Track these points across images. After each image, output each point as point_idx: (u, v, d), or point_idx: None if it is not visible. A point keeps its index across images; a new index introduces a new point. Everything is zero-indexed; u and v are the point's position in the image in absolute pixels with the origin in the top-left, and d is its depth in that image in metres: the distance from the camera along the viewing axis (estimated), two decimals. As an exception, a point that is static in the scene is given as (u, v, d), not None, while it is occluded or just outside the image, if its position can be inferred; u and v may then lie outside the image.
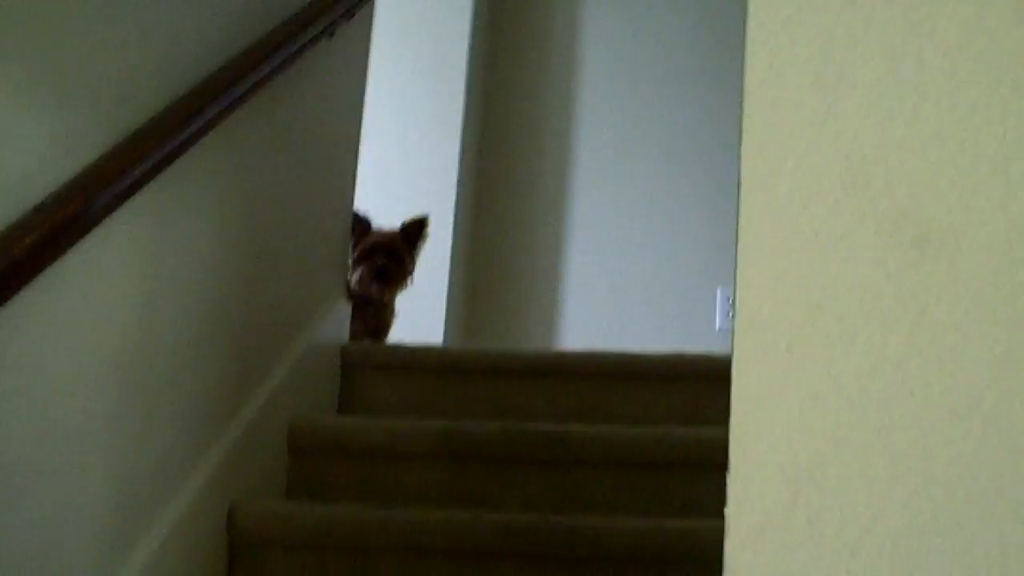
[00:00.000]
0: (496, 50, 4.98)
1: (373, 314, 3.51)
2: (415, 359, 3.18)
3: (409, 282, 3.58)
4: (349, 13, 3.12)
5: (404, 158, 4.48)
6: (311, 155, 3.06)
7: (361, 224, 3.48)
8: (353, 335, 3.36)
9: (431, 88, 4.59)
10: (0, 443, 1.81)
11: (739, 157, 1.09)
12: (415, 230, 3.58)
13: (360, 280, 3.47)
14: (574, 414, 3.03)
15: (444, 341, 4.33)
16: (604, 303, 4.68)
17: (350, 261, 3.45)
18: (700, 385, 3.06)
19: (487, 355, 3.19)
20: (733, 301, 1.07)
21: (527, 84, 4.97)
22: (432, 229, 3.64)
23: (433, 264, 3.79)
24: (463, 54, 4.64)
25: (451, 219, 4.44)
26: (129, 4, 2.15)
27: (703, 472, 2.72)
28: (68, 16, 1.96)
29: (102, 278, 2.09)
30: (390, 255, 3.51)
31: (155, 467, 2.30)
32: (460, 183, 4.53)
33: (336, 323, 3.18)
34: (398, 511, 2.60)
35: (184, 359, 2.40)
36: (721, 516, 2.28)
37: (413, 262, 3.59)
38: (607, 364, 3.09)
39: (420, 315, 3.81)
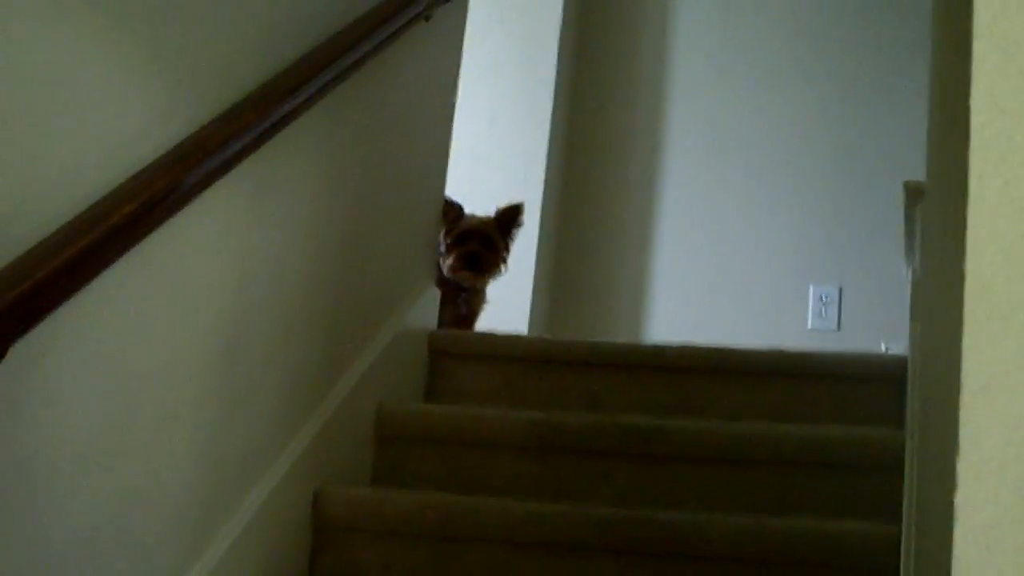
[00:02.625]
0: (586, 38, 4.90)
1: (463, 301, 3.43)
2: (505, 348, 3.11)
3: (503, 270, 3.50)
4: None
5: (493, 145, 4.42)
6: (404, 138, 3.00)
7: (453, 210, 3.40)
8: (441, 322, 3.29)
9: (521, 76, 4.52)
10: (90, 415, 1.76)
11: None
12: (510, 217, 3.50)
13: (452, 267, 3.39)
14: (667, 408, 2.94)
15: (528, 332, 4.26)
16: (692, 298, 4.59)
17: (442, 247, 3.37)
18: (797, 382, 2.96)
19: (580, 346, 3.11)
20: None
21: (617, 74, 4.89)
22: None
23: (519, 252, 3.70)
24: (554, 42, 4.57)
25: (538, 207, 4.36)
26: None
27: (805, 471, 2.65)
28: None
29: (197, 253, 2.04)
30: (483, 242, 3.43)
31: (242, 449, 2.25)
32: (548, 171, 4.46)
33: (425, 309, 3.11)
34: (490, 500, 2.53)
35: (276, 340, 2.35)
36: (824, 516, 2.18)
37: (507, 249, 3.50)
38: (703, 358, 3.00)
39: (505, 304, 3.72)
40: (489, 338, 3.19)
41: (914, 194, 2.63)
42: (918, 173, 4.42)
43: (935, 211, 2.26)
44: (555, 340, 3.21)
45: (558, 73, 4.56)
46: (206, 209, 2.02)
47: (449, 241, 3.39)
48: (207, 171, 1.93)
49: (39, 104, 1.61)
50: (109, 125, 1.77)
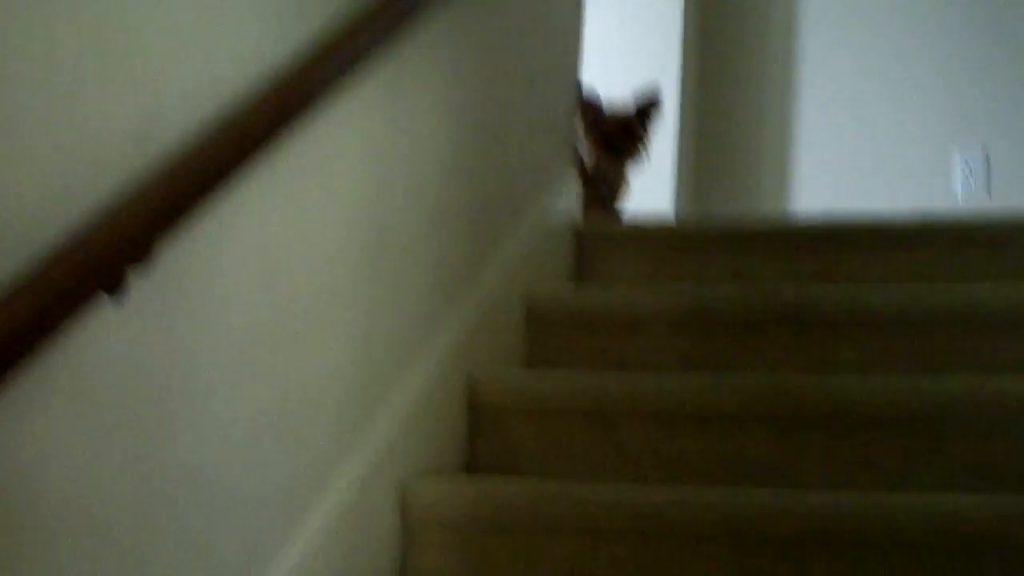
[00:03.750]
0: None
1: (606, 187, 3.45)
2: (648, 232, 3.12)
3: (644, 156, 3.52)
4: None
5: (624, 24, 4.39)
6: (535, 23, 3.00)
7: (592, 106, 3.42)
8: (586, 208, 3.31)
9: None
10: (239, 314, 1.82)
11: None
12: (647, 104, 3.51)
13: (592, 153, 3.41)
14: (815, 278, 2.93)
15: (674, 211, 4.26)
16: (837, 166, 4.52)
17: (583, 140, 3.40)
18: (947, 248, 2.92)
19: (722, 225, 3.10)
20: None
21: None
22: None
23: (660, 133, 3.70)
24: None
25: (676, 85, 4.33)
26: None
27: (960, 330, 2.62)
28: None
29: (341, 148, 2.09)
30: (622, 128, 3.44)
31: (393, 340, 2.30)
32: (684, 46, 4.42)
33: (566, 196, 3.12)
34: (642, 376, 2.56)
35: (418, 233, 2.39)
36: (983, 372, 2.16)
37: (648, 135, 3.52)
38: (847, 229, 2.97)
39: (648, 185, 3.73)
40: (633, 223, 3.20)
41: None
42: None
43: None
44: (698, 221, 3.21)
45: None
46: (346, 106, 2.06)
47: (591, 135, 3.41)
48: (345, 71, 1.96)
49: (172, 11, 1.66)
50: (244, 29, 1.82)
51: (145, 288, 1.58)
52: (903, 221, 2.94)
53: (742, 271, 3.00)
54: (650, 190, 3.87)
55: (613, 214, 3.50)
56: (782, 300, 2.71)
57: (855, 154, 4.51)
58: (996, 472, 2.31)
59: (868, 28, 4.59)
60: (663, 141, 4.11)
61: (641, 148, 3.50)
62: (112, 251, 1.43)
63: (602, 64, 3.86)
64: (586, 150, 3.40)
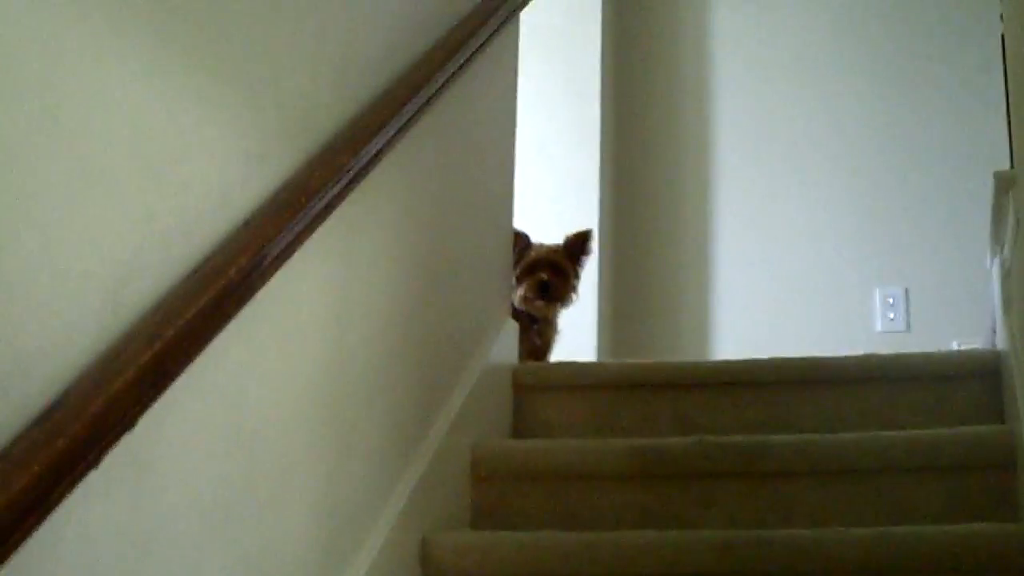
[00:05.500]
0: (628, 59, 4.86)
1: (536, 333, 3.38)
2: (589, 376, 3.05)
3: (574, 298, 3.45)
4: (501, 27, 3.02)
5: (544, 175, 4.36)
6: (473, 169, 2.95)
7: (521, 240, 3.35)
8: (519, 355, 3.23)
9: (566, 102, 4.48)
10: (214, 478, 1.70)
11: None
12: (578, 244, 3.46)
13: (524, 297, 3.34)
14: (762, 424, 2.88)
15: (597, 359, 4.20)
16: (757, 310, 4.53)
17: (512, 278, 3.32)
18: (892, 386, 2.90)
19: (666, 367, 3.05)
20: None
21: (661, 90, 4.84)
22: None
23: (582, 281, 3.64)
24: (596, 65, 4.53)
25: (595, 233, 4.30)
26: (307, 10, 2.05)
27: (915, 476, 2.58)
28: (253, 22, 1.86)
29: (303, 301, 1.99)
30: (554, 270, 3.38)
31: (352, 501, 2.19)
32: (602, 196, 4.41)
33: (506, 343, 3.05)
34: (602, 534, 2.46)
35: (373, 387, 2.30)
36: (943, 520, 2.11)
37: (577, 277, 3.46)
38: (794, 370, 2.94)
39: (570, 334, 3.66)
40: (571, 367, 3.13)
41: (1005, 182, 2.58)
42: (984, 163, 4.40)
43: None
44: (640, 363, 3.15)
45: (602, 95, 4.52)
46: (309, 256, 1.97)
47: (519, 271, 3.34)
48: (311, 215, 1.88)
49: (152, 159, 1.56)
50: (213, 175, 1.72)
51: (121, 455, 1.46)
52: (849, 361, 2.92)
53: (687, 417, 2.94)
54: (575, 337, 3.79)
55: (545, 360, 3.42)
56: (738, 448, 2.65)
57: (776, 295, 4.52)
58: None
59: (784, 168, 4.64)
60: (586, 287, 4.05)
61: (571, 289, 3.45)
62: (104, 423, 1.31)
63: (522, 212, 3.80)
64: (516, 293, 3.33)
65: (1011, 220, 2.57)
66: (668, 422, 2.95)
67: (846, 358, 2.94)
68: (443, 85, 2.53)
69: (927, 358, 2.93)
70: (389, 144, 2.22)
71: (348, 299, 2.18)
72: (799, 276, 4.51)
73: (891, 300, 4.39)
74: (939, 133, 4.52)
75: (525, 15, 3.44)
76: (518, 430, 3.01)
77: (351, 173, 2.03)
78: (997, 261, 2.85)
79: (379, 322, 2.33)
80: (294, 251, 1.86)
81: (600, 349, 4.25)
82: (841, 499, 2.59)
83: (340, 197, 2.01)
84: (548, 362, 3.39)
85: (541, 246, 3.41)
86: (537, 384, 3.05)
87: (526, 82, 3.64)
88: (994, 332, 3.13)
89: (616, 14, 4.86)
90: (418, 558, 2.42)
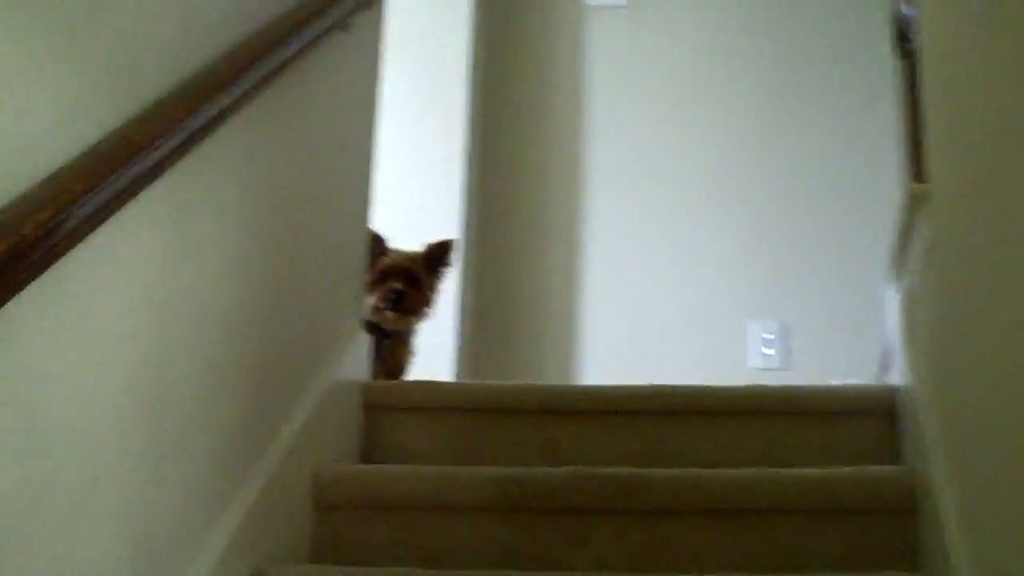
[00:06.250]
0: (498, 67, 4.57)
1: (390, 348, 3.05)
2: (449, 397, 2.74)
3: (429, 312, 3.13)
4: (366, 3, 2.72)
5: (404, 183, 4.05)
6: (326, 160, 2.63)
7: (376, 243, 3.02)
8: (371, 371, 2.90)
9: (431, 108, 4.17)
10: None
11: None
12: (439, 253, 3.14)
13: (373, 307, 3.01)
14: (638, 456, 2.60)
15: (454, 380, 3.89)
16: (625, 339, 4.27)
17: (368, 291, 2.99)
18: (780, 421, 2.65)
19: (534, 391, 2.75)
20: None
21: (532, 102, 4.56)
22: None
23: (440, 296, 3.32)
24: (463, 71, 4.23)
25: (456, 246, 3.99)
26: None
27: (809, 519, 2.33)
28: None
29: (120, 280, 1.65)
30: (409, 279, 3.06)
31: (171, 524, 1.85)
32: (466, 207, 4.10)
33: (357, 357, 2.73)
34: (462, 574, 2.15)
35: (202, 396, 1.96)
36: (838, 569, 1.87)
37: (434, 290, 3.13)
38: (675, 399, 2.67)
39: (427, 354, 3.34)
40: (430, 387, 2.81)
41: (917, 199, 2.35)
42: (866, 193, 4.22)
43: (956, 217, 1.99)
44: (506, 385, 2.85)
45: (468, 102, 4.22)
46: (130, 226, 1.64)
47: (371, 279, 3.00)
48: (133, 175, 1.55)
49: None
50: (11, 124, 1.38)
51: None
52: (736, 392, 2.67)
53: (555, 447, 2.65)
54: (429, 358, 3.46)
55: (398, 379, 3.10)
56: (612, 481, 2.36)
57: (644, 326, 4.27)
58: None
59: (656, 195, 4.42)
60: (444, 305, 3.72)
61: (427, 302, 3.12)
62: None
63: (380, 220, 3.47)
64: (368, 302, 2.98)
65: (921, 241, 2.34)
66: (536, 451, 2.65)
67: (731, 389, 2.69)
68: (298, 53, 2.22)
69: (817, 392, 2.69)
70: (230, 110, 1.89)
71: (176, 287, 1.85)
72: (672, 305, 4.27)
73: (768, 335, 4.17)
74: (820, 162, 4.33)
75: (393, 18, 3.15)
76: (368, 455, 2.68)
77: (185, 132, 1.70)
78: (898, 287, 2.62)
79: (212, 319, 2.00)
80: (110, 214, 1.53)
81: (459, 372, 3.93)
82: (728, 541, 2.32)
83: (171, 160, 1.69)
84: (403, 381, 3.07)
85: (397, 252, 3.09)
86: (390, 404, 2.73)
87: (391, 84, 3.34)
88: (883, 368, 2.91)
89: (487, 20, 4.58)
90: (248, 594, 2.08)
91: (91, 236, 1.50)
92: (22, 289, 1.35)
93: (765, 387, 2.71)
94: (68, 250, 1.44)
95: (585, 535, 2.34)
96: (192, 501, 1.91)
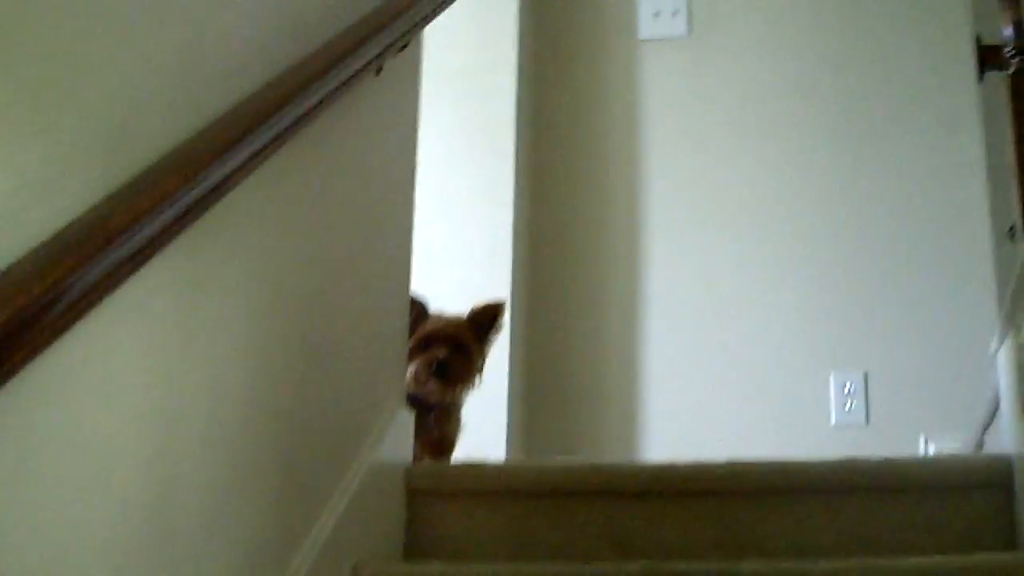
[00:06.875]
0: (548, 111, 4.31)
1: (434, 422, 2.77)
2: (502, 480, 2.46)
3: (477, 382, 2.85)
4: (399, 45, 2.45)
5: (448, 237, 3.79)
6: (358, 219, 2.36)
7: (417, 307, 2.74)
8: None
9: (476, 155, 3.92)
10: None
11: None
12: (487, 317, 2.85)
13: (414, 376, 2.73)
14: (718, 546, 2.31)
15: (506, 457, 3.60)
16: (691, 403, 3.95)
17: (409, 360, 2.70)
18: (874, 498, 2.35)
19: (596, 471, 2.46)
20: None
21: (584, 148, 4.28)
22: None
23: (489, 363, 3.04)
24: (510, 115, 3.97)
25: (507, 308, 3.72)
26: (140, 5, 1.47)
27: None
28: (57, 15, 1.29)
29: (107, 379, 1.39)
30: (455, 347, 2.78)
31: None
32: (515, 263, 3.83)
33: (399, 438, 2.45)
34: None
35: (217, 498, 1.69)
36: None
37: (483, 357, 2.85)
38: (756, 476, 2.37)
39: (475, 425, 3.05)
40: (479, 469, 2.52)
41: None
42: (957, 232, 3.91)
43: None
44: (564, 465, 2.56)
45: (517, 150, 3.96)
46: (116, 317, 1.37)
47: (411, 346, 2.72)
48: (113, 262, 1.28)
49: None
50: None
51: None
52: (823, 467, 2.38)
53: (622, 535, 2.36)
54: (478, 432, 3.16)
55: (445, 458, 2.82)
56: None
57: (711, 388, 3.95)
58: None
59: (723, 240, 4.11)
60: (494, 374, 3.43)
61: (475, 371, 2.84)
62: None
63: (422, 278, 3.19)
64: (408, 372, 2.70)
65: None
66: (598, 540, 2.36)
67: (820, 463, 2.39)
68: (321, 102, 1.95)
69: (922, 464, 2.39)
70: (239, 174, 1.62)
71: (184, 376, 1.58)
72: (742, 362, 3.95)
73: (849, 388, 3.85)
74: (899, 200, 4.02)
75: (432, 56, 2.88)
76: (412, 547, 2.40)
77: (181, 207, 1.43)
78: (1012, 344, 2.32)
79: (229, 408, 1.73)
80: (85, 312, 1.26)
81: (509, 447, 3.64)
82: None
83: (165, 238, 1.42)
84: (449, 462, 2.79)
85: (439, 317, 2.81)
86: (436, 489, 2.44)
87: (431, 130, 3.07)
88: (984, 431, 2.61)
89: (534, 57, 4.32)
90: None
91: (62, 337, 1.24)
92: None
93: (857, 460, 2.40)
94: (32, 356, 1.18)
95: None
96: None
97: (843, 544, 2.29)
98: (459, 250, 3.80)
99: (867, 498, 2.35)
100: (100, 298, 1.29)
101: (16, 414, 1.20)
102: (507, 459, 3.57)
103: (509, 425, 3.65)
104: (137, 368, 1.46)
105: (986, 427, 2.57)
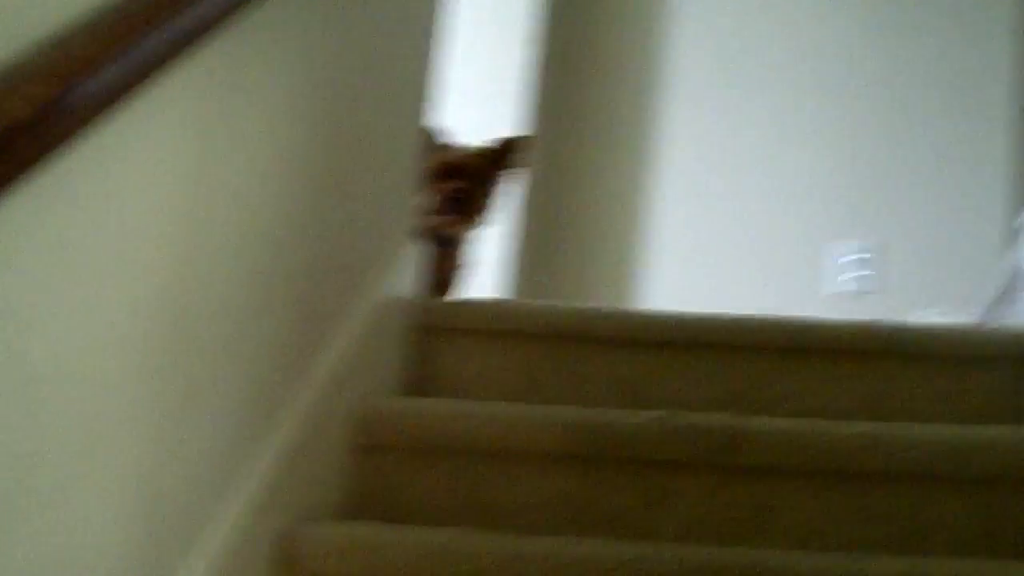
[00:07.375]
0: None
1: (450, 258, 2.66)
2: (517, 320, 2.37)
3: (491, 219, 2.73)
4: None
5: (459, 70, 3.66)
6: (382, 42, 2.24)
7: (434, 137, 2.60)
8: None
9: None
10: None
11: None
12: (509, 151, 2.72)
13: (431, 209, 2.60)
14: (729, 403, 2.24)
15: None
16: (690, 262, 3.88)
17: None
18: (893, 366, 2.29)
19: (613, 318, 2.39)
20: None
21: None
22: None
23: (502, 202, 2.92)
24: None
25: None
26: None
27: (940, 488, 1.97)
28: None
29: (137, 178, 1.29)
30: (473, 178, 2.65)
31: (188, 482, 1.51)
32: (525, 100, 3.70)
33: (406, 273, 2.36)
34: (528, 542, 1.81)
35: (236, 319, 1.61)
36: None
37: (498, 193, 2.73)
38: (773, 333, 2.30)
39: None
40: (495, 307, 2.44)
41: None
42: (972, 98, 3.83)
43: None
44: (587, 310, 2.48)
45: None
46: (157, 107, 1.27)
47: (427, 176, 2.59)
48: (167, 39, 1.17)
49: None
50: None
51: None
52: (848, 328, 2.31)
53: (634, 386, 2.29)
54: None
55: (446, 294, 2.71)
56: (709, 432, 2.00)
57: (711, 249, 3.89)
58: None
59: (742, 98, 4.02)
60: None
61: (484, 206, 2.71)
62: None
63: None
64: (425, 206, 2.58)
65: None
66: (603, 389, 2.30)
67: (842, 324, 2.32)
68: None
69: (946, 333, 2.32)
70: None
71: (209, 185, 1.48)
72: (749, 225, 3.88)
73: (864, 256, 3.79)
74: (924, 64, 3.92)
75: None
76: (415, 385, 2.32)
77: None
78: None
79: (249, 231, 1.64)
80: (130, 91, 1.16)
81: (501, 290, 3.56)
82: (841, 510, 1.96)
83: (209, 26, 1.31)
84: (462, 299, 2.69)
85: (457, 147, 2.68)
86: (446, 326, 2.36)
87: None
88: (1002, 303, 2.55)
89: None
90: (277, 559, 1.74)
91: (102, 120, 1.14)
92: (5, 188, 1.00)
93: (880, 324, 2.34)
94: (70, 137, 1.08)
95: (670, 496, 1.99)
96: (213, 453, 1.57)
97: (857, 409, 2.23)
98: (470, 87, 3.68)
99: (887, 365, 2.29)
100: (150, 77, 1.18)
101: (54, 190, 1.10)
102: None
103: (503, 269, 3.57)
104: (172, 162, 1.36)
105: (997, 302, 2.51)
